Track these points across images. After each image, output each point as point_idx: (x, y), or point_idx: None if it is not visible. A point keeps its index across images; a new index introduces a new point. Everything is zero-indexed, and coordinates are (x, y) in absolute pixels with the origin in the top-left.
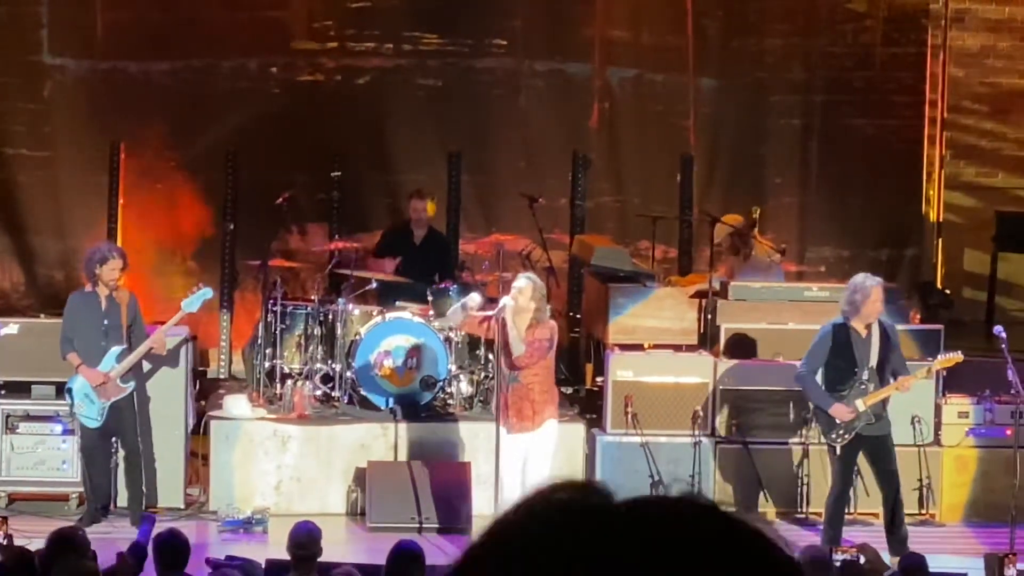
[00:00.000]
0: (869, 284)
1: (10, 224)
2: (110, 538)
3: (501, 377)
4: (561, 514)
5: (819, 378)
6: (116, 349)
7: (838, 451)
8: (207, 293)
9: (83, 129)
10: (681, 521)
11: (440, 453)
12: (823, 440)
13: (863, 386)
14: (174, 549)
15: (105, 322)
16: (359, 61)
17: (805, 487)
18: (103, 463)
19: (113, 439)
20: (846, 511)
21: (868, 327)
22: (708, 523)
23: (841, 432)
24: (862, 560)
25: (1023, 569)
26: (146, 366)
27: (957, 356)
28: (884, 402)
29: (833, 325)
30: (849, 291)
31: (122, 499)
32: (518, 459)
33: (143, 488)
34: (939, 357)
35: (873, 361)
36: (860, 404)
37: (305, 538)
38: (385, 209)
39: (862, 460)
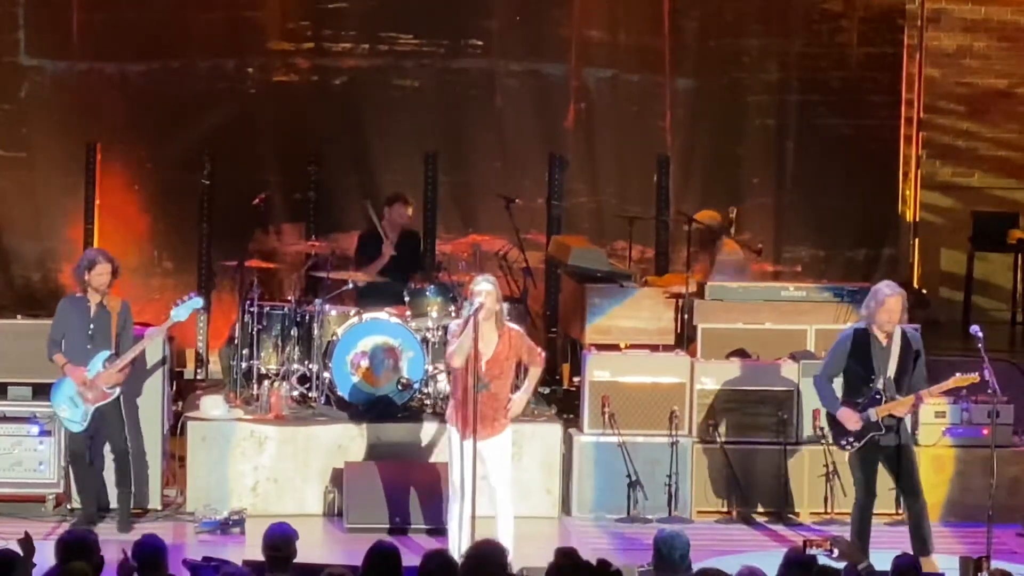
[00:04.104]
0: (885, 292)
1: None
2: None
3: (464, 384)
4: None
5: (839, 383)
6: (103, 354)
7: (847, 457)
8: (197, 302)
9: (60, 130)
10: None
11: (417, 454)
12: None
13: (878, 395)
14: (153, 554)
15: (91, 327)
16: (335, 61)
17: (784, 487)
18: (92, 466)
19: (104, 444)
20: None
21: (889, 336)
22: None
23: (851, 440)
24: (835, 553)
25: (997, 569)
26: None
27: (974, 376)
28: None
29: (854, 330)
30: (868, 296)
31: (113, 501)
32: (480, 465)
33: (131, 491)
34: (957, 375)
35: (891, 371)
36: (873, 414)
37: (279, 539)
38: (361, 209)
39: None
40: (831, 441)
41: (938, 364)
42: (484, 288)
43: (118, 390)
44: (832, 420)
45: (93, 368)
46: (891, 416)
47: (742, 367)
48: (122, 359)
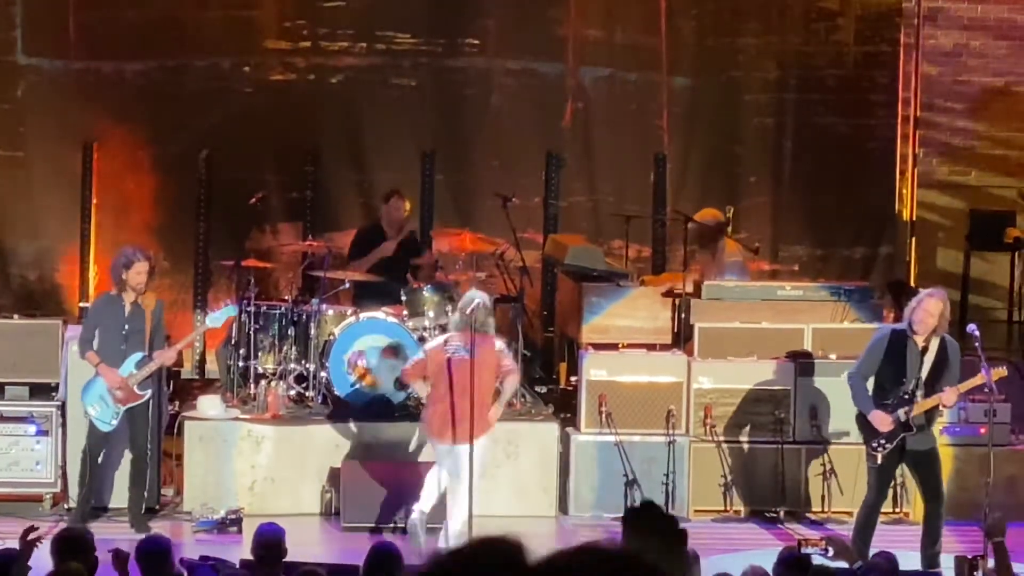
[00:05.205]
0: (925, 292)
1: None
2: (103, 539)
3: (458, 392)
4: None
5: (871, 384)
6: (136, 356)
7: (879, 460)
8: (232, 310)
9: (56, 129)
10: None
11: (414, 453)
12: (866, 448)
13: (907, 396)
14: (158, 556)
15: (126, 327)
16: (332, 60)
17: (780, 486)
18: (106, 466)
19: (121, 443)
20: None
21: (928, 341)
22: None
23: (882, 441)
24: (830, 552)
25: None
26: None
27: (1002, 370)
28: (929, 416)
29: (892, 330)
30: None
31: (122, 500)
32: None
33: (145, 492)
34: (983, 371)
35: (923, 374)
36: (902, 415)
37: (269, 539)
38: (359, 208)
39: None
40: (862, 443)
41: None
42: (482, 302)
43: (149, 392)
44: (863, 422)
45: (125, 369)
46: (922, 417)
47: (739, 366)
48: (153, 363)
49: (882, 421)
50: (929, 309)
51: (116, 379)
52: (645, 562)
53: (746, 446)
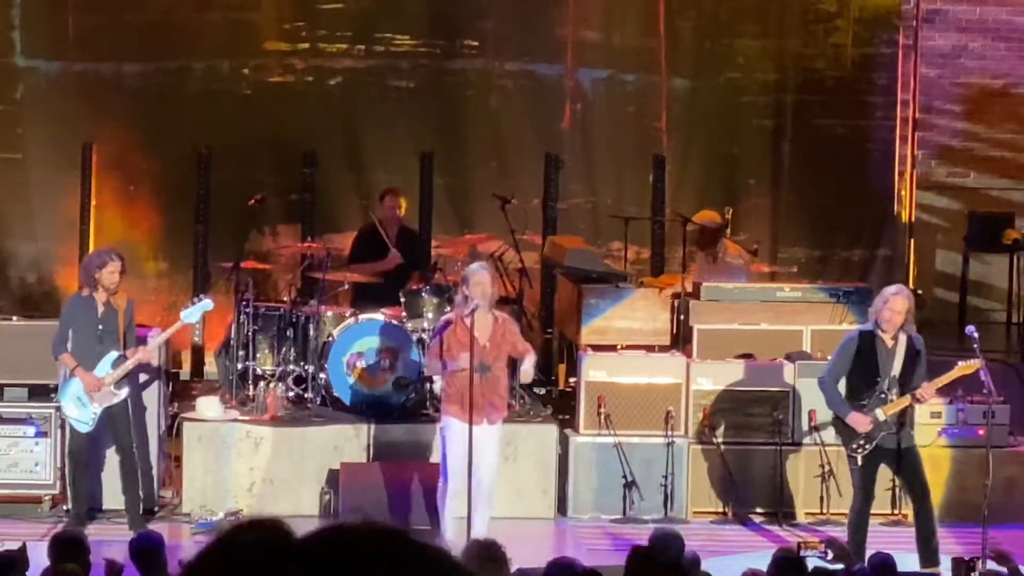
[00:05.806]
0: (891, 291)
1: None
2: (96, 540)
3: (458, 371)
4: (246, 558)
5: (842, 386)
6: (112, 355)
7: (859, 461)
8: (207, 305)
9: (55, 131)
10: (354, 556)
11: (413, 454)
12: (847, 450)
13: (883, 395)
14: (151, 552)
15: (100, 327)
16: (331, 62)
17: (779, 488)
18: (93, 468)
19: (104, 444)
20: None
21: (895, 338)
22: (379, 554)
23: (861, 443)
24: (829, 555)
25: (992, 570)
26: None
27: (977, 363)
28: (906, 413)
29: (859, 332)
30: (877, 297)
31: (118, 502)
32: (478, 450)
33: (140, 492)
34: (959, 364)
35: (896, 372)
36: (880, 414)
37: None
38: (358, 209)
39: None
40: (841, 445)
41: (934, 365)
42: (479, 278)
43: (126, 391)
44: (840, 424)
45: (102, 369)
46: (900, 414)
47: (738, 368)
48: (130, 362)
49: (860, 422)
50: (895, 307)
51: (93, 381)
52: (415, 541)
53: (745, 448)
